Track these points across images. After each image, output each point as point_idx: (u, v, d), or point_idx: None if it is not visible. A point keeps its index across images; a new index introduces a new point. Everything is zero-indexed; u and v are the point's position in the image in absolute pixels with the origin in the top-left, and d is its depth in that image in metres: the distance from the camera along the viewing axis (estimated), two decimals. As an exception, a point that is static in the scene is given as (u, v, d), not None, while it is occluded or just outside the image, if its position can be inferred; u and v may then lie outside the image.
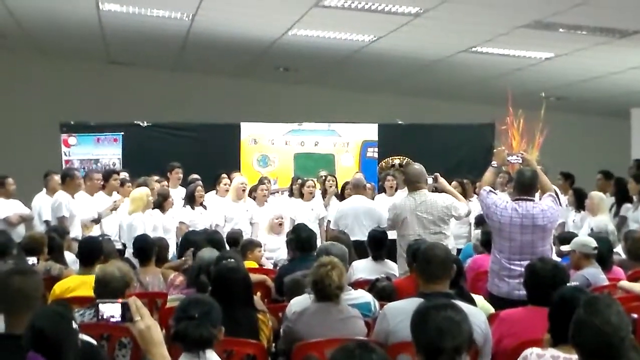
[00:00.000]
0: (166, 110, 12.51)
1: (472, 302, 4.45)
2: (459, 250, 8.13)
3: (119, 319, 2.67)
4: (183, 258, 6.04)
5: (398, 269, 6.31)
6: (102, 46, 12.65)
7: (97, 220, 8.40)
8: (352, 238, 7.08)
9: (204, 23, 10.30)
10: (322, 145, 11.56)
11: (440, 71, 12.06)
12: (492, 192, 5.68)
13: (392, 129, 11.76)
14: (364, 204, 8.67)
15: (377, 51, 10.90)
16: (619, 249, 7.07)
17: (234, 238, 7.43)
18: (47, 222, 8.16)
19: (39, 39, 12.57)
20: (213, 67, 13.76)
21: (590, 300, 2.87)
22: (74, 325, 2.80)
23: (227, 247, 6.65)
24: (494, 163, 6.04)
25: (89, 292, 4.49)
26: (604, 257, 5.91)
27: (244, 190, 9.14)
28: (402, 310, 3.78)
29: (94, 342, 3.37)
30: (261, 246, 7.36)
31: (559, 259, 5.55)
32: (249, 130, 11.43)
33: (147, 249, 6.22)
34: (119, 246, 7.63)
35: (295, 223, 8.04)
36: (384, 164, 11.36)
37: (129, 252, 7.15)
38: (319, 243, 6.91)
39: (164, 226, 8.16)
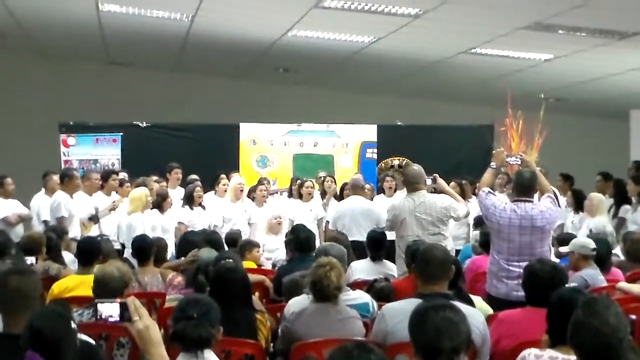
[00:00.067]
0: (165, 110, 12.51)
1: (470, 303, 4.45)
2: (457, 251, 8.14)
3: (118, 319, 2.68)
4: (189, 256, 5.94)
5: (397, 269, 6.31)
6: (101, 47, 12.64)
7: (94, 218, 8.40)
8: (350, 238, 7.06)
9: (203, 24, 10.29)
10: (321, 146, 11.55)
11: (440, 72, 12.06)
12: (491, 193, 5.68)
13: (391, 130, 11.76)
14: (362, 204, 8.64)
15: (376, 52, 10.89)
16: (617, 250, 7.07)
17: (233, 238, 7.45)
18: (45, 222, 8.18)
19: (38, 39, 12.56)
20: (213, 68, 13.75)
21: (588, 301, 2.87)
22: (73, 325, 2.80)
23: (226, 248, 6.65)
24: (493, 164, 6.04)
25: (88, 292, 4.49)
26: (602, 258, 5.92)
27: (241, 191, 9.13)
28: (401, 310, 3.78)
29: (93, 341, 3.37)
30: (259, 246, 7.35)
31: (557, 260, 5.54)
32: (248, 131, 11.43)
33: (146, 249, 6.23)
34: (117, 246, 7.62)
35: (294, 224, 8.05)
36: (383, 165, 11.38)
37: (127, 252, 7.16)
38: (317, 244, 6.91)
39: (163, 226, 8.15)
